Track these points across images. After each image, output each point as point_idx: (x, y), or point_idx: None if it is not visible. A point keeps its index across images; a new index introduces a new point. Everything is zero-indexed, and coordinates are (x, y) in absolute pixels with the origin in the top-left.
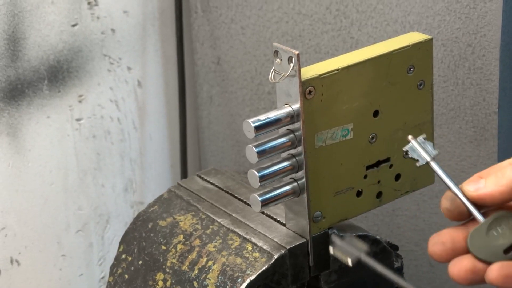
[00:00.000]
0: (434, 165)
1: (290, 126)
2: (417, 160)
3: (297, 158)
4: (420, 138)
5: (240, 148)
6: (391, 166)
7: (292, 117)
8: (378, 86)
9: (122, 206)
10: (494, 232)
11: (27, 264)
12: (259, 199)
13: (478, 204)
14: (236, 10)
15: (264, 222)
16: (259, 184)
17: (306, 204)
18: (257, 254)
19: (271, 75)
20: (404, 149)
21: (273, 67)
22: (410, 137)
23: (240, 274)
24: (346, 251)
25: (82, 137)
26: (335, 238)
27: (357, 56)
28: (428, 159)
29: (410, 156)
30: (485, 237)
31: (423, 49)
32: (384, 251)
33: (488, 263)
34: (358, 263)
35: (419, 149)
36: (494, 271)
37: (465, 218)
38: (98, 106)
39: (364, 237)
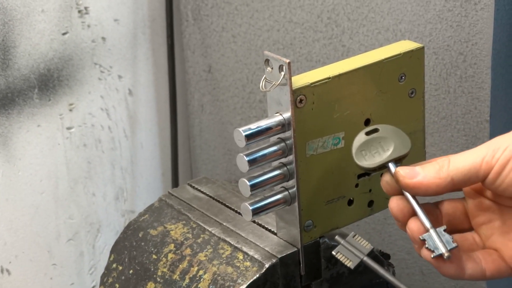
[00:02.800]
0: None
1: (281, 135)
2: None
3: (288, 167)
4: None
5: (232, 156)
6: (382, 175)
7: (283, 125)
8: (369, 95)
9: (113, 215)
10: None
11: (18, 274)
12: (250, 208)
13: (411, 193)
14: (227, 18)
15: (255, 231)
16: (250, 193)
17: (297, 213)
18: (248, 263)
19: (262, 83)
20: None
21: (264, 76)
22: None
23: (231, 284)
24: (349, 253)
25: (73, 146)
26: (338, 240)
27: (348, 65)
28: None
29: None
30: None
31: (415, 57)
32: (376, 259)
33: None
34: (352, 271)
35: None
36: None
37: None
38: (89, 115)
39: None
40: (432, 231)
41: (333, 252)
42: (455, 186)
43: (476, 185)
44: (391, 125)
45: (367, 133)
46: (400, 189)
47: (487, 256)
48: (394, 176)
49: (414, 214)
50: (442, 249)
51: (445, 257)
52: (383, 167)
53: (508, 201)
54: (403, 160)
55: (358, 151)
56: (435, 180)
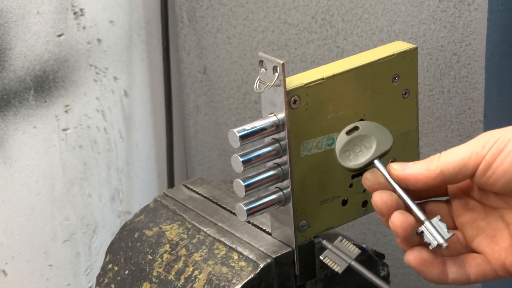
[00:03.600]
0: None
1: (276, 136)
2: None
3: (282, 167)
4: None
5: (227, 157)
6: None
7: (277, 126)
8: (363, 95)
9: (109, 216)
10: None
11: (14, 275)
12: (245, 208)
13: (402, 186)
14: (222, 19)
15: (250, 231)
16: (245, 193)
17: (292, 213)
18: (243, 263)
19: (256, 84)
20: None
21: (258, 77)
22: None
23: (226, 283)
24: (337, 258)
25: (69, 147)
26: (326, 244)
27: (342, 65)
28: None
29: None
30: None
31: (408, 58)
32: (370, 259)
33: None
34: (346, 271)
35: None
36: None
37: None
38: (85, 116)
39: None
40: (427, 223)
41: (321, 257)
42: (445, 179)
43: (462, 183)
44: (381, 124)
45: (348, 132)
46: (381, 186)
47: (471, 260)
48: (387, 170)
49: (397, 208)
50: (440, 240)
51: (443, 247)
52: (369, 165)
53: (495, 200)
54: (386, 155)
55: (342, 153)
56: (424, 171)
